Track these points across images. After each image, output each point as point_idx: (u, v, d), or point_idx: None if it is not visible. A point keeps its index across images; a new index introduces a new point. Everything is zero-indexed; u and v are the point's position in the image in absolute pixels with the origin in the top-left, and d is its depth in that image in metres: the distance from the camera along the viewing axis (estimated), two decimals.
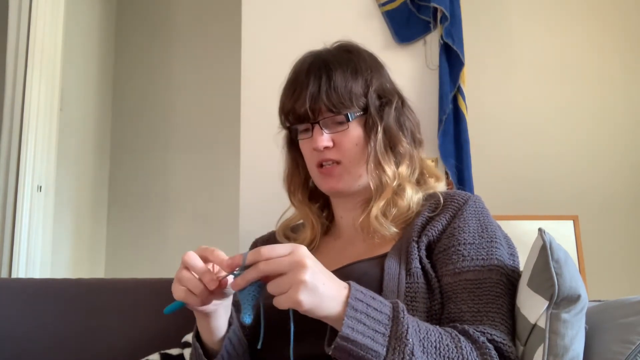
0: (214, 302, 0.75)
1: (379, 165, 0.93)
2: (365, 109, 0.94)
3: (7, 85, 2.10)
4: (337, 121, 0.93)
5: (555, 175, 1.91)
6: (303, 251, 0.66)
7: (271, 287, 0.65)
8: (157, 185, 2.86)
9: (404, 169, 0.95)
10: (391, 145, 0.95)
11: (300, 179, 1.05)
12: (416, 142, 1.00)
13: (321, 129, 0.93)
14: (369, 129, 0.93)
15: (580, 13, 2.03)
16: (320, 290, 0.64)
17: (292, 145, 1.04)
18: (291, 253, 0.65)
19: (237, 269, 0.68)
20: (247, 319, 0.68)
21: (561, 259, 0.74)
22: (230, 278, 0.72)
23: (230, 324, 0.82)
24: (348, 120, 0.93)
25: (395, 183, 0.93)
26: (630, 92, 1.97)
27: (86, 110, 2.68)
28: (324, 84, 0.91)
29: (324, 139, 0.92)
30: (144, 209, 2.84)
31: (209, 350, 0.83)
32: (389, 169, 0.93)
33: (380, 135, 0.93)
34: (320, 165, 0.95)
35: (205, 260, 0.71)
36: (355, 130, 0.94)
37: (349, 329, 0.64)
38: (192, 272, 0.71)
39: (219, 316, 0.79)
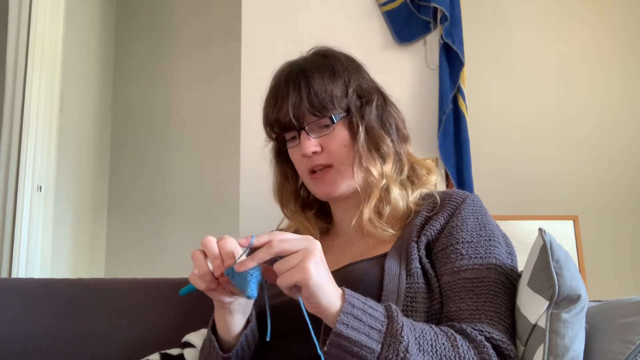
0: (226, 297, 0.75)
1: (363, 167, 0.93)
2: (348, 110, 0.95)
3: (7, 85, 2.10)
4: (322, 125, 0.94)
5: (555, 175, 1.91)
6: (314, 239, 0.68)
7: (279, 264, 0.65)
8: (157, 185, 2.86)
9: (388, 168, 0.95)
10: (374, 144, 0.95)
11: (291, 190, 1.05)
12: (402, 138, 1.00)
13: (308, 134, 0.93)
14: (353, 129, 0.94)
15: (581, 13, 2.03)
16: (325, 273, 0.66)
17: (280, 157, 1.05)
18: (304, 237, 0.67)
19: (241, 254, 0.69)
20: (252, 293, 0.67)
21: (561, 259, 0.74)
22: None
23: (248, 321, 0.82)
24: (333, 122, 0.93)
25: (383, 182, 0.93)
26: (631, 92, 1.97)
27: (86, 110, 2.68)
28: (304, 91, 0.92)
29: (312, 144, 0.93)
30: (144, 209, 2.84)
31: (223, 343, 0.83)
32: (374, 169, 0.93)
33: (362, 135, 0.93)
34: (312, 172, 0.96)
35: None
36: (341, 132, 0.94)
37: (343, 325, 0.64)
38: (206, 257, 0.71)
39: (236, 311, 0.79)
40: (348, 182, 0.95)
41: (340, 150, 0.94)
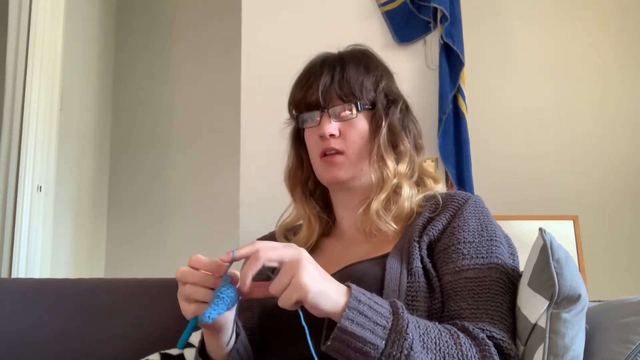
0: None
1: (381, 159, 0.94)
2: (373, 105, 0.97)
3: (7, 85, 2.10)
4: (345, 112, 0.96)
5: (555, 175, 1.91)
6: (298, 246, 0.68)
7: (273, 287, 0.66)
8: (157, 185, 2.86)
9: (403, 168, 0.96)
10: (393, 143, 0.97)
11: (303, 177, 1.06)
12: (417, 147, 1.02)
13: (329, 116, 0.95)
14: (374, 124, 0.96)
15: (580, 13, 2.03)
16: (321, 279, 0.66)
17: (298, 140, 1.06)
18: (287, 245, 0.67)
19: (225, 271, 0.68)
20: (207, 318, 0.65)
21: (562, 259, 0.74)
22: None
23: (237, 334, 0.82)
24: (358, 109, 0.95)
25: (395, 180, 0.94)
26: (630, 91, 1.97)
27: (86, 110, 2.68)
28: (337, 74, 0.95)
29: (332, 126, 0.94)
30: (144, 209, 2.84)
31: None
32: (391, 164, 0.95)
33: (385, 130, 0.95)
34: (324, 155, 0.97)
35: (196, 269, 0.70)
36: (361, 123, 0.96)
37: (348, 321, 0.64)
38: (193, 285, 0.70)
39: (228, 329, 0.78)
40: (356, 173, 0.96)
41: (356, 140, 0.95)
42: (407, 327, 0.66)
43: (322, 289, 0.65)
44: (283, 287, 0.65)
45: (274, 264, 0.66)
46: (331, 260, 0.94)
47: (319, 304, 0.65)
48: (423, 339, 0.68)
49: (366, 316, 0.65)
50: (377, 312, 0.67)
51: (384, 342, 0.65)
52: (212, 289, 0.69)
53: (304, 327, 0.66)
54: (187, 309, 0.70)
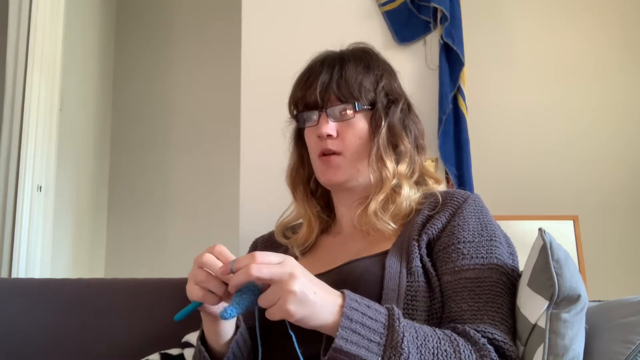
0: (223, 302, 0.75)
1: (380, 160, 0.94)
2: (373, 104, 0.96)
3: (7, 85, 2.10)
4: (344, 112, 0.95)
5: (555, 175, 1.91)
6: (292, 262, 0.67)
7: (262, 300, 0.66)
8: (157, 185, 2.86)
9: (403, 168, 0.96)
10: (393, 143, 0.97)
11: (304, 176, 1.06)
12: (419, 147, 1.02)
13: (327, 116, 0.95)
14: (373, 124, 0.96)
15: (580, 13, 2.03)
16: (311, 300, 0.64)
17: (300, 140, 1.06)
18: (281, 263, 0.66)
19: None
20: (228, 315, 0.66)
21: (561, 259, 0.74)
22: None
23: (237, 326, 0.82)
24: (355, 109, 0.95)
25: (394, 181, 0.94)
26: (630, 92, 1.97)
27: (86, 110, 2.68)
28: (335, 74, 0.95)
29: (329, 126, 0.94)
30: (144, 209, 2.84)
31: (214, 353, 0.83)
32: (390, 165, 0.94)
33: (384, 130, 0.95)
34: (323, 155, 0.97)
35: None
36: (359, 123, 0.96)
37: (343, 340, 0.64)
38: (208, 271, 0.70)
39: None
40: (353, 174, 0.96)
41: (354, 140, 0.95)
42: (403, 341, 0.66)
43: (306, 314, 0.64)
44: (271, 304, 0.65)
45: (265, 281, 0.66)
46: (330, 257, 0.95)
47: (305, 323, 0.65)
48: (420, 351, 0.67)
49: (359, 334, 0.65)
50: (369, 328, 0.66)
51: (379, 358, 0.65)
52: (225, 284, 0.69)
53: (291, 335, 0.66)
54: (194, 292, 0.70)
